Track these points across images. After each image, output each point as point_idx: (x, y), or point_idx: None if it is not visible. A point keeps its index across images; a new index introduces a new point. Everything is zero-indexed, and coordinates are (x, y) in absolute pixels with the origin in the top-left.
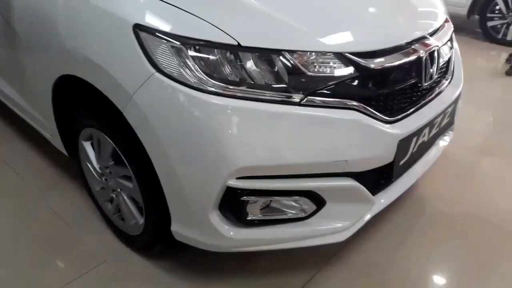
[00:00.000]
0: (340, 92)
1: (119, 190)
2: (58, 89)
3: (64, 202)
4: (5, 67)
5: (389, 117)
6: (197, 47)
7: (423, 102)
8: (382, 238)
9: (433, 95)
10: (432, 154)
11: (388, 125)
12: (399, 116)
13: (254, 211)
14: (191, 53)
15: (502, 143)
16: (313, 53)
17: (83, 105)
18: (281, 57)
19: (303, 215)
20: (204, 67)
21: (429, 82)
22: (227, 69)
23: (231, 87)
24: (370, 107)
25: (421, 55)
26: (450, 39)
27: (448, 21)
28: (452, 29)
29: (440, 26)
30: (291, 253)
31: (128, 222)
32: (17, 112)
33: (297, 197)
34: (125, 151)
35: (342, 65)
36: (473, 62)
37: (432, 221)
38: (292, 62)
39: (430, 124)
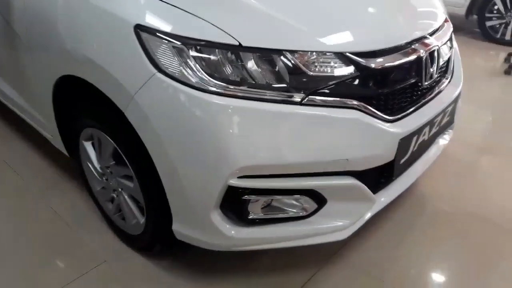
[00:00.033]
0: (341, 91)
1: (120, 189)
2: (58, 89)
3: (65, 202)
4: (5, 67)
5: (389, 116)
6: (198, 47)
7: (423, 101)
8: (382, 237)
9: (433, 94)
10: (432, 153)
11: (389, 124)
12: (400, 115)
13: (255, 210)
14: (193, 53)
15: (501, 142)
16: (314, 53)
17: (83, 105)
18: (282, 57)
19: (304, 213)
20: (205, 67)
21: (429, 82)
22: (228, 69)
23: (232, 87)
24: (371, 106)
25: (421, 55)
26: (450, 39)
27: (448, 21)
28: (452, 29)
29: (440, 26)
30: (292, 251)
31: (129, 221)
32: (17, 112)
33: (298, 196)
34: (126, 151)
35: (343, 64)
36: (471, 61)
37: (432, 220)
38: (293, 62)
39: (430, 123)
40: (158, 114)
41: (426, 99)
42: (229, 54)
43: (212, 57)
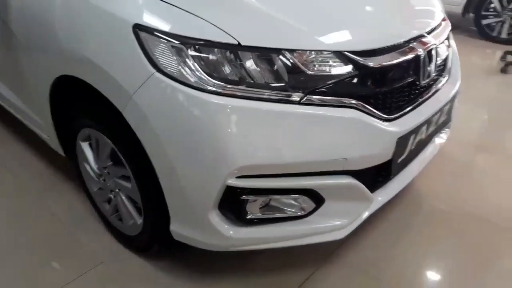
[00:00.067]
0: (339, 90)
1: (117, 190)
2: (56, 90)
3: (62, 203)
4: (2, 67)
5: (387, 115)
6: (197, 46)
7: (421, 100)
8: (379, 236)
9: (431, 93)
10: (429, 152)
11: (386, 123)
12: (398, 114)
13: (253, 210)
14: (191, 52)
15: (498, 141)
16: (313, 52)
17: (81, 105)
18: (280, 56)
19: (302, 213)
20: (204, 66)
21: (427, 80)
22: (227, 69)
23: (231, 86)
24: (369, 105)
25: (419, 54)
26: (448, 38)
27: (446, 20)
28: (450, 27)
29: (437, 25)
30: (290, 251)
31: (126, 222)
32: (14, 114)
33: (297, 195)
34: (124, 151)
35: (342, 63)
36: (468, 60)
37: (428, 219)
38: (291, 61)
39: (428, 122)
40: (156, 114)
41: (423, 98)
42: (228, 53)
43: (211, 56)
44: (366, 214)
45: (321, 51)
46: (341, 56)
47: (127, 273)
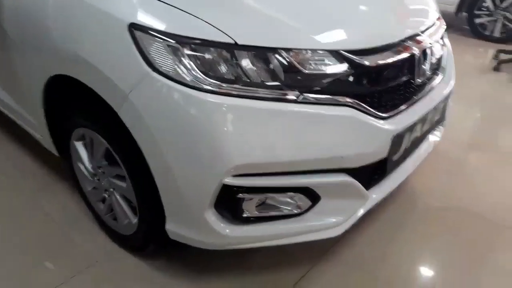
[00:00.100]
0: (335, 89)
1: (111, 189)
2: (50, 89)
3: (56, 203)
4: None
5: (383, 113)
6: (193, 45)
7: (416, 98)
8: (374, 234)
9: (425, 91)
10: (423, 150)
11: (382, 121)
12: (393, 112)
13: (250, 209)
14: (187, 51)
15: (491, 139)
16: (309, 51)
17: (75, 105)
18: (277, 55)
19: (298, 211)
20: (200, 65)
21: (422, 79)
22: (223, 68)
23: (227, 85)
24: (365, 104)
25: (414, 52)
26: (442, 37)
27: (440, 19)
28: (444, 26)
29: (432, 24)
30: (285, 249)
31: (121, 221)
32: (7, 114)
33: (293, 193)
34: (119, 150)
35: (337, 62)
36: (461, 58)
37: (423, 216)
38: (288, 60)
39: (423, 120)
40: (152, 113)
41: (418, 96)
42: (224, 52)
43: (207, 55)
44: (361, 212)
45: (317, 50)
46: (337, 55)
47: (122, 272)
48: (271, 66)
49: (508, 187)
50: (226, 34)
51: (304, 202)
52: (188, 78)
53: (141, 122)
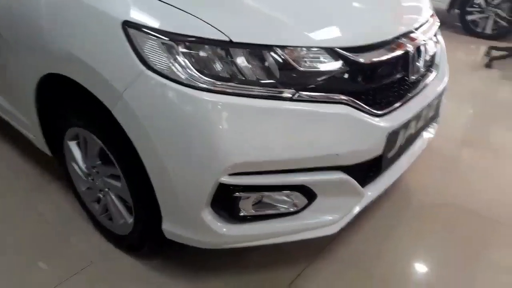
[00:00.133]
0: (330, 86)
1: (106, 189)
2: (42, 88)
3: (50, 203)
4: None
5: (378, 111)
6: (187, 43)
7: (410, 95)
8: (369, 231)
9: (420, 88)
10: (417, 147)
11: (377, 119)
12: (388, 110)
13: (246, 207)
14: (182, 49)
15: (483, 135)
16: (304, 49)
17: (69, 104)
18: (272, 53)
19: (295, 209)
20: (195, 63)
21: (416, 76)
22: (218, 66)
23: (222, 83)
24: (360, 101)
25: (408, 49)
26: (436, 34)
27: (434, 16)
28: (438, 23)
29: (426, 21)
30: (282, 247)
31: (116, 221)
32: (0, 115)
33: (289, 191)
34: (114, 150)
35: (332, 60)
36: (453, 55)
37: (417, 213)
38: (283, 57)
39: (417, 117)
40: (147, 112)
41: (413, 93)
42: (219, 50)
43: (201, 53)
44: (357, 209)
45: (312, 47)
46: (332, 53)
47: (118, 272)
48: (266, 63)
49: (502, 183)
50: (221, 32)
51: (301, 200)
52: (183, 76)
53: (135, 121)
